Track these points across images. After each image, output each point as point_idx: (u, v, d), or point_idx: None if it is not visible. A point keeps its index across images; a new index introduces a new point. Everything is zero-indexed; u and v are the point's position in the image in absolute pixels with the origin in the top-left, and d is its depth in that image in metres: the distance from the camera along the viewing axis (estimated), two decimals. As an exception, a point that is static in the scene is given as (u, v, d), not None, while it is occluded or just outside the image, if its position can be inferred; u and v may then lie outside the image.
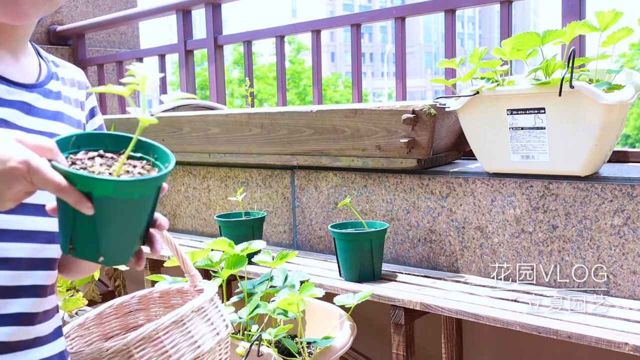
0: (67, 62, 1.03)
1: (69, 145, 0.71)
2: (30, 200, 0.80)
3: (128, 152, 0.69)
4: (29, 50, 0.93)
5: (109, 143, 0.74)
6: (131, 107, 0.68)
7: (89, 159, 0.70)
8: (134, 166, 0.70)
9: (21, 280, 0.84)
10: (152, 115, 0.68)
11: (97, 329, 1.26)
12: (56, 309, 0.94)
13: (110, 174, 0.67)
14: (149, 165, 0.72)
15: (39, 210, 0.83)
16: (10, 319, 0.83)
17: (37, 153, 0.65)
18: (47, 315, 0.90)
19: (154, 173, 0.69)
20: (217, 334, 1.06)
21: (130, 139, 0.72)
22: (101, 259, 0.69)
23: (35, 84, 0.91)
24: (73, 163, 0.69)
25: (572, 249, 1.59)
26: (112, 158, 0.71)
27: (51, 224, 0.86)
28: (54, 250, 0.89)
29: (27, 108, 0.87)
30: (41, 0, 0.80)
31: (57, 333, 0.92)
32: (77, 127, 0.97)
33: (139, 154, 0.73)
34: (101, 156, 0.71)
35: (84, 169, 0.67)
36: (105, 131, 0.74)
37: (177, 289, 1.28)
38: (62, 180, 0.64)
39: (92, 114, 1.03)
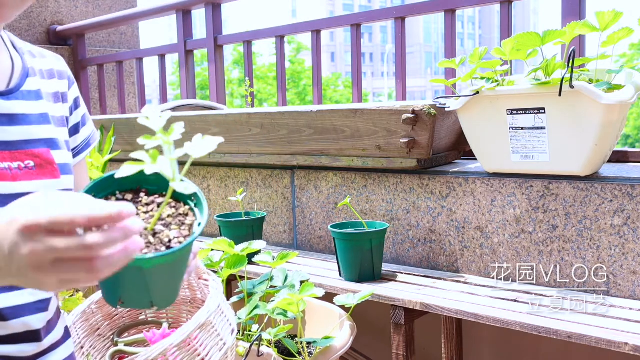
0: (45, 49, 0.95)
1: (107, 186, 0.69)
2: None
3: (162, 210, 0.66)
4: None
5: (150, 180, 0.70)
6: (161, 169, 0.62)
7: (124, 199, 0.68)
8: (170, 215, 0.68)
9: (23, 299, 0.81)
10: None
11: (101, 311, 1.26)
12: (58, 314, 0.91)
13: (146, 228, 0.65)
14: (186, 207, 0.69)
15: None
16: (18, 337, 0.81)
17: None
18: (50, 324, 0.87)
19: (189, 222, 0.67)
20: (225, 344, 1.04)
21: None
22: (154, 308, 0.68)
23: (12, 88, 0.82)
24: None
25: (572, 249, 1.59)
26: (152, 202, 0.69)
27: None
28: None
29: (6, 119, 0.80)
30: (21, 2, 0.76)
31: (66, 336, 0.91)
32: (62, 125, 0.90)
33: (177, 194, 0.70)
34: (137, 202, 0.68)
35: None
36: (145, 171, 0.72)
37: None
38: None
39: (76, 105, 0.96)
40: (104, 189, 0.68)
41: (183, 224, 0.67)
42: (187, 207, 0.69)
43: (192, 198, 0.70)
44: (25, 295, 0.81)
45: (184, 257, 0.68)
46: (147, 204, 0.68)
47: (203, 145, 0.62)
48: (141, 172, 0.67)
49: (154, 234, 0.65)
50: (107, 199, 0.68)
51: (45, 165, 0.82)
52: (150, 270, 0.63)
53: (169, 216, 0.67)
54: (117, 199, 0.68)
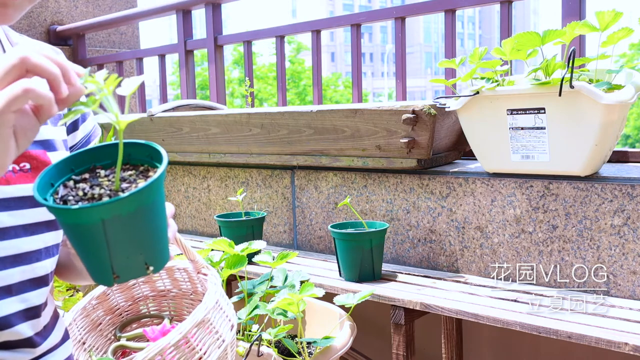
0: (43, 43, 0.90)
1: (62, 172, 0.68)
2: (15, 222, 0.77)
3: (119, 166, 0.66)
4: None
5: (101, 155, 0.70)
6: (105, 113, 0.63)
7: (83, 179, 0.67)
8: (131, 174, 0.68)
9: (13, 307, 0.79)
10: (152, 114, 0.66)
11: (101, 306, 1.25)
12: (55, 318, 0.89)
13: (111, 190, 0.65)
14: (143, 167, 0.69)
15: (26, 230, 0.79)
16: (10, 344, 0.79)
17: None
18: (46, 330, 0.85)
19: (152, 175, 0.67)
20: (223, 341, 1.03)
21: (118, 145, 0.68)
22: (150, 269, 0.67)
23: None
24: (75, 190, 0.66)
25: (572, 249, 1.59)
26: (111, 172, 0.69)
27: (37, 243, 0.81)
28: (43, 268, 0.83)
29: None
30: (26, 2, 0.75)
31: (64, 338, 0.90)
32: (57, 119, 0.87)
33: (133, 159, 0.70)
34: (96, 177, 0.68)
35: (92, 196, 0.64)
36: (93, 145, 0.70)
37: (183, 267, 1.26)
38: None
39: None
40: (59, 176, 0.68)
41: (147, 177, 0.67)
42: (146, 165, 0.70)
43: (149, 156, 0.69)
44: (14, 303, 0.79)
45: (159, 198, 0.67)
46: (107, 175, 0.68)
47: (130, 84, 0.65)
48: (91, 152, 0.69)
49: (122, 191, 0.65)
50: (65, 185, 0.67)
51: (41, 167, 0.80)
52: (132, 216, 0.63)
53: (130, 175, 0.67)
54: (75, 182, 0.67)
